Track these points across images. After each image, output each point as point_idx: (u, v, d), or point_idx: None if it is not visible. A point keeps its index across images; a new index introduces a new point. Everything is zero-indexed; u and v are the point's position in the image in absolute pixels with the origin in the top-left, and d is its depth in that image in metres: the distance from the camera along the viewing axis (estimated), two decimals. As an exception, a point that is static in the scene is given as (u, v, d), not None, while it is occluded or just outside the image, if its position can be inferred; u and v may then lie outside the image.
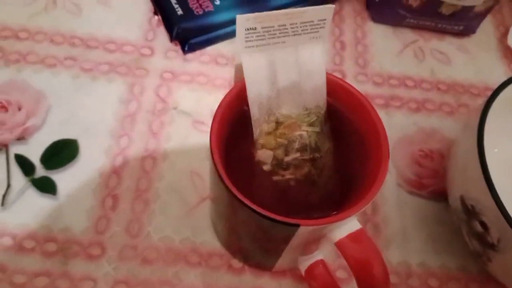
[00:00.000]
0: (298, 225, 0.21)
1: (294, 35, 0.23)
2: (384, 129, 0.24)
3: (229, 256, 0.30)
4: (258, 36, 0.22)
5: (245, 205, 0.21)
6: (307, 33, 0.23)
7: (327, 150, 0.26)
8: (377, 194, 0.22)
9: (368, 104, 0.25)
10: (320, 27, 0.23)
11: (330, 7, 0.23)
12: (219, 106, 0.23)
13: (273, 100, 0.24)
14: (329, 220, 0.21)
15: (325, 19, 0.23)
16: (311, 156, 0.25)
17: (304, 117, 0.25)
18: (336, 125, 0.27)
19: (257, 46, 0.23)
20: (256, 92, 0.24)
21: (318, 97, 0.25)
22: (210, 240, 0.31)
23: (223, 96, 0.24)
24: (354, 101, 0.25)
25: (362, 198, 0.22)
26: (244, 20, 0.21)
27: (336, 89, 0.25)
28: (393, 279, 0.30)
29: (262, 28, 0.22)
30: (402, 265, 0.31)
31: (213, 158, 0.22)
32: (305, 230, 0.21)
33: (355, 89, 0.25)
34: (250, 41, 0.22)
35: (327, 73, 0.25)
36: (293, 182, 0.25)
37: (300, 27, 0.23)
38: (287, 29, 0.23)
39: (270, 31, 0.22)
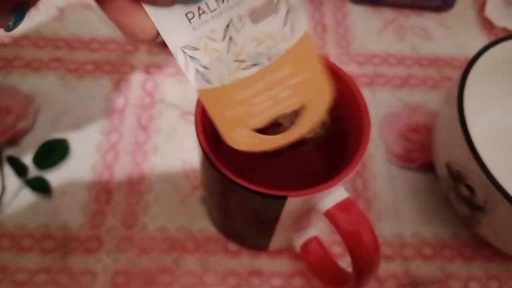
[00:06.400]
0: (285, 197, 0.21)
1: None
2: (364, 100, 0.24)
3: (225, 240, 0.31)
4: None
5: (233, 181, 0.21)
6: None
7: None
8: (359, 162, 0.22)
9: (347, 77, 0.25)
10: None
11: None
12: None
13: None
14: (315, 190, 0.21)
15: None
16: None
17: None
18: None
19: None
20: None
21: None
22: (205, 226, 0.31)
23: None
24: (333, 76, 0.26)
25: (346, 167, 0.22)
26: None
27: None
28: (387, 250, 0.31)
29: None
30: (396, 236, 0.32)
31: (199, 140, 0.23)
32: (293, 201, 0.22)
33: (333, 64, 0.26)
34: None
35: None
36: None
37: None
38: None
39: None
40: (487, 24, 0.42)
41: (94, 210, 0.31)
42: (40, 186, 0.32)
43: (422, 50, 0.40)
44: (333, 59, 0.39)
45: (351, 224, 0.22)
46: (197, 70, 0.15)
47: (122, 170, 0.33)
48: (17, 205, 0.31)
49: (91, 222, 0.31)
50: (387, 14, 0.42)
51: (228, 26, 0.14)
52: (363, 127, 0.24)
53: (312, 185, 0.26)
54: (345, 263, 0.30)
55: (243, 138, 0.17)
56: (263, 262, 0.30)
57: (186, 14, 0.14)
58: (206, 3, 0.14)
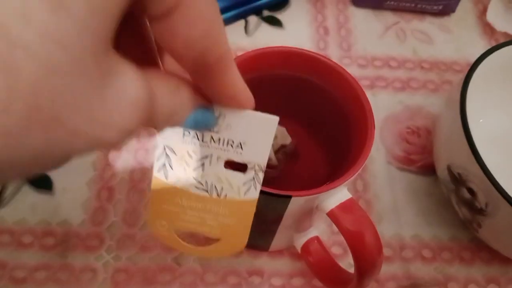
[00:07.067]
0: (290, 197, 0.21)
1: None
2: (368, 101, 0.25)
3: (226, 239, 0.31)
4: None
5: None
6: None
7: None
8: (364, 163, 0.23)
9: (351, 78, 0.26)
10: None
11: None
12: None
13: None
14: (319, 190, 0.22)
15: None
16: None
17: None
18: (323, 104, 0.28)
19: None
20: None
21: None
22: (206, 225, 0.31)
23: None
24: (337, 77, 0.26)
25: (350, 168, 0.22)
26: None
27: (319, 67, 0.26)
28: (387, 252, 0.31)
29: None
30: (395, 238, 0.32)
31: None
32: (296, 201, 0.22)
33: (338, 65, 0.26)
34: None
35: (312, 52, 0.26)
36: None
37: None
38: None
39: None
40: (488, 28, 0.42)
41: (95, 207, 0.31)
42: (41, 183, 0.32)
43: (423, 53, 0.40)
44: (335, 61, 0.39)
45: (354, 224, 0.22)
46: (164, 164, 0.18)
47: (123, 167, 0.33)
48: (17, 201, 0.31)
49: (91, 219, 0.31)
50: (389, 17, 0.42)
51: (206, 157, 0.18)
52: (367, 128, 0.24)
53: (314, 185, 0.26)
54: (346, 263, 0.30)
55: (162, 229, 0.20)
56: (264, 261, 0.30)
57: (184, 131, 0.18)
58: (203, 135, 0.17)
